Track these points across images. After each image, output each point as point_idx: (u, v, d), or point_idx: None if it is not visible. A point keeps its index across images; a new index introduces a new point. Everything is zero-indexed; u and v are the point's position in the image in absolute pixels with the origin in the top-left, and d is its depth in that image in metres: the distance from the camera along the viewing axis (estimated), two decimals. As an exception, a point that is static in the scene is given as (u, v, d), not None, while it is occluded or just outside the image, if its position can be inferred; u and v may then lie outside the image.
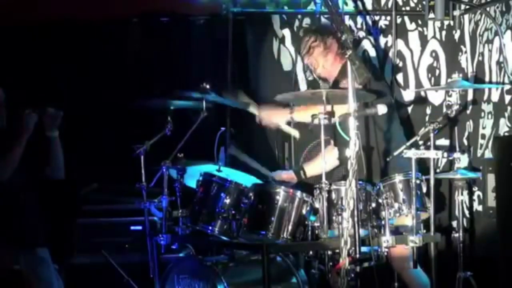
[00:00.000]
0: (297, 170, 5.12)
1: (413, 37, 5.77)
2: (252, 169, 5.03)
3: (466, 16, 5.61)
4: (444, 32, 5.74)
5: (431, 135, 4.43)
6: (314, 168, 5.05)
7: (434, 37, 5.76)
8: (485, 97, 5.40)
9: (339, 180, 4.61)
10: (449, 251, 5.32)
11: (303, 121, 4.98)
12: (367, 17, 5.78)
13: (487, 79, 5.38)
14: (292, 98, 4.99)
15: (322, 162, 4.33)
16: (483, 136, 5.42)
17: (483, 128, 5.42)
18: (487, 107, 5.38)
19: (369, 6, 5.78)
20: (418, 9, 5.77)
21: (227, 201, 4.47)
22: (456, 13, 5.64)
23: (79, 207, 5.59)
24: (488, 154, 5.25)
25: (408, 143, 4.50)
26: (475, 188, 5.41)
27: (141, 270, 4.87)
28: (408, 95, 5.76)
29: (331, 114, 4.43)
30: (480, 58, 5.45)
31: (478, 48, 5.48)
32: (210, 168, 4.72)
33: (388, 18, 5.76)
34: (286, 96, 4.76)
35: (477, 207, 5.43)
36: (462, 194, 4.83)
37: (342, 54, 4.63)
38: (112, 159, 5.75)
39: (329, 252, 4.40)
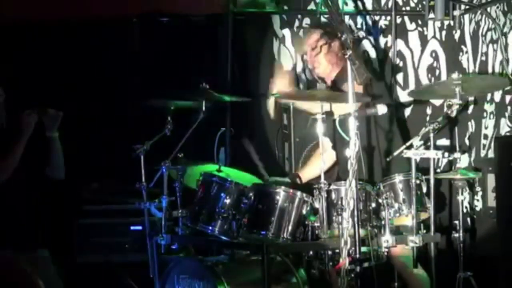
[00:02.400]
0: (292, 178, 5.07)
1: (413, 37, 5.77)
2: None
3: (466, 16, 5.61)
4: (444, 32, 5.74)
5: (431, 135, 4.43)
6: (309, 172, 5.03)
7: (434, 37, 5.76)
8: (488, 97, 5.40)
9: (336, 180, 4.61)
10: (449, 251, 5.32)
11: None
12: (367, 17, 5.77)
13: (489, 79, 5.38)
14: (290, 94, 4.98)
15: (321, 163, 4.33)
16: (486, 136, 5.42)
17: (485, 128, 5.42)
18: (489, 107, 5.38)
19: (369, 6, 5.78)
20: (418, 9, 5.77)
21: (227, 201, 4.47)
22: (456, 13, 5.63)
23: (79, 207, 5.59)
24: (492, 154, 5.24)
25: (407, 143, 4.50)
26: (478, 188, 5.41)
27: (141, 270, 4.87)
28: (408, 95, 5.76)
29: (330, 113, 4.44)
30: (484, 58, 5.45)
31: (480, 48, 5.48)
32: (211, 168, 4.72)
33: (388, 18, 5.76)
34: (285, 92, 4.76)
35: (478, 207, 5.43)
36: (462, 194, 4.83)
37: (343, 56, 4.65)
38: (112, 159, 5.75)
39: (329, 252, 4.40)
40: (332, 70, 4.94)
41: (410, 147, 4.46)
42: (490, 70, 5.39)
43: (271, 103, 5.13)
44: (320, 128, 4.33)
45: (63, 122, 4.91)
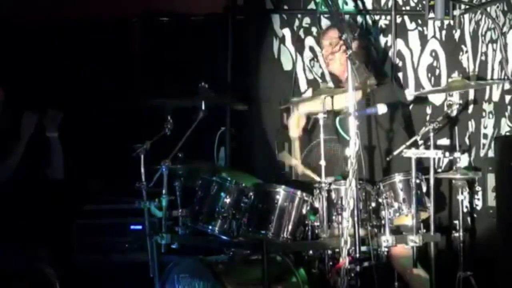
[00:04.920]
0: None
1: (413, 37, 5.77)
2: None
3: (466, 16, 5.61)
4: (444, 32, 5.74)
5: (431, 134, 4.43)
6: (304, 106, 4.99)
7: (434, 36, 5.76)
8: (486, 97, 5.40)
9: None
10: (449, 251, 5.31)
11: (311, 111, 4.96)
12: (367, 16, 5.77)
13: (488, 78, 5.38)
14: (295, 102, 4.99)
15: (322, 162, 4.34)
16: (485, 136, 5.42)
17: (485, 127, 5.42)
18: (488, 107, 5.39)
19: (369, 5, 5.78)
20: (418, 8, 5.77)
21: (227, 200, 4.47)
22: (456, 12, 5.63)
23: (79, 207, 5.59)
24: (492, 154, 5.24)
25: (408, 143, 4.51)
26: (478, 188, 5.41)
27: (141, 269, 4.87)
28: (408, 94, 5.75)
29: (331, 113, 4.44)
30: (483, 58, 5.45)
31: (480, 48, 5.48)
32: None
33: (388, 17, 5.76)
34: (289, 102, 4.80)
35: (478, 206, 5.43)
36: (462, 193, 4.83)
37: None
38: (112, 158, 5.75)
39: (329, 252, 4.41)
40: (345, 70, 4.90)
41: (410, 146, 4.47)
42: (489, 70, 5.39)
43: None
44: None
45: (63, 122, 4.92)
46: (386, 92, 4.88)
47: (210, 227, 4.48)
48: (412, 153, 4.38)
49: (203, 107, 4.77)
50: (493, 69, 5.34)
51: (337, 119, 4.88)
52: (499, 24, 5.22)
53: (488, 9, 5.37)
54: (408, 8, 5.79)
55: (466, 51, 5.64)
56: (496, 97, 5.30)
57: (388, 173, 4.72)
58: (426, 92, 5.67)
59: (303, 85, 5.78)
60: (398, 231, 4.53)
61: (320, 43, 5.24)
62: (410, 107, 5.72)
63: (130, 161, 4.76)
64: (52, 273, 4.44)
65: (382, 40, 5.77)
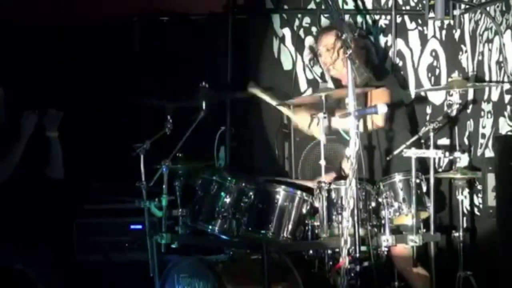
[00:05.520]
0: (337, 169, 5.00)
1: (413, 37, 5.77)
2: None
3: (466, 16, 5.60)
4: (444, 32, 5.74)
5: (431, 134, 4.43)
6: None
7: (434, 36, 5.76)
8: (485, 97, 5.40)
9: None
10: (449, 250, 5.31)
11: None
12: (367, 16, 5.78)
13: (487, 78, 5.38)
14: (295, 102, 4.99)
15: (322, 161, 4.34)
16: (483, 136, 5.42)
17: (483, 127, 5.42)
18: (486, 107, 5.38)
19: (369, 5, 5.78)
20: (418, 8, 5.77)
21: (227, 200, 4.48)
22: (456, 12, 5.63)
23: (79, 206, 5.59)
24: (489, 153, 5.24)
25: (408, 142, 4.51)
26: (478, 188, 5.40)
27: (141, 269, 4.87)
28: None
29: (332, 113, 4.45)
30: (480, 58, 5.45)
31: (478, 48, 5.48)
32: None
33: (388, 17, 5.76)
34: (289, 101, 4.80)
35: (478, 206, 5.43)
36: (462, 193, 4.82)
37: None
38: (112, 158, 5.75)
39: (329, 252, 4.41)
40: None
41: (411, 146, 4.47)
42: (486, 69, 5.39)
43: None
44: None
45: (63, 122, 4.92)
46: (389, 89, 4.88)
47: (210, 226, 4.49)
48: (412, 153, 4.38)
49: (203, 107, 4.78)
50: (490, 69, 5.34)
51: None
52: (498, 24, 5.22)
53: (488, 8, 5.37)
54: (408, 7, 5.79)
55: (466, 51, 5.64)
56: (495, 97, 5.30)
57: (388, 172, 4.72)
58: (427, 89, 5.67)
59: (303, 85, 5.78)
60: (398, 231, 4.53)
61: (317, 50, 5.09)
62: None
63: (130, 161, 4.76)
64: (29, 273, 4.43)
65: (382, 40, 5.77)
